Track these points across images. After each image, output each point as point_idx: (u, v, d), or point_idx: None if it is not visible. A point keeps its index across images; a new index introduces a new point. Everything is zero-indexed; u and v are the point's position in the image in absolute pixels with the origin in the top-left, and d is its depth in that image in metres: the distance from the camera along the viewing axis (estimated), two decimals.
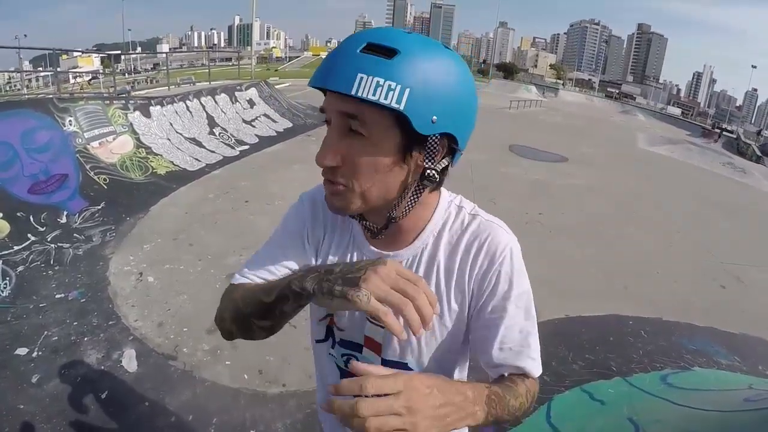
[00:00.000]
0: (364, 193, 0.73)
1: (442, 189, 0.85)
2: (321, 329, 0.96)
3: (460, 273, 0.83)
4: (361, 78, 0.64)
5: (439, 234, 0.84)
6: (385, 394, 0.55)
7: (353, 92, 0.64)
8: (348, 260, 0.88)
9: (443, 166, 0.75)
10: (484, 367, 0.85)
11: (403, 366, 0.89)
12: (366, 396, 0.54)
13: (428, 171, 0.73)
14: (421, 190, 0.76)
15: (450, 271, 0.83)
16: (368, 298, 0.61)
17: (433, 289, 0.84)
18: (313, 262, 0.91)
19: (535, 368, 0.83)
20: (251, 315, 0.82)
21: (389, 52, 0.65)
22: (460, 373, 0.99)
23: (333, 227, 0.91)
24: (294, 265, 0.90)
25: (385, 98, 0.64)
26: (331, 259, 0.90)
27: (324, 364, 1.01)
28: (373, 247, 0.86)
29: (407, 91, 0.64)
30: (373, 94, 0.64)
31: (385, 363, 0.89)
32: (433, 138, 0.70)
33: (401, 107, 0.64)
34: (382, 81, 0.64)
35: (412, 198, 0.76)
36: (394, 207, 0.76)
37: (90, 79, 27.22)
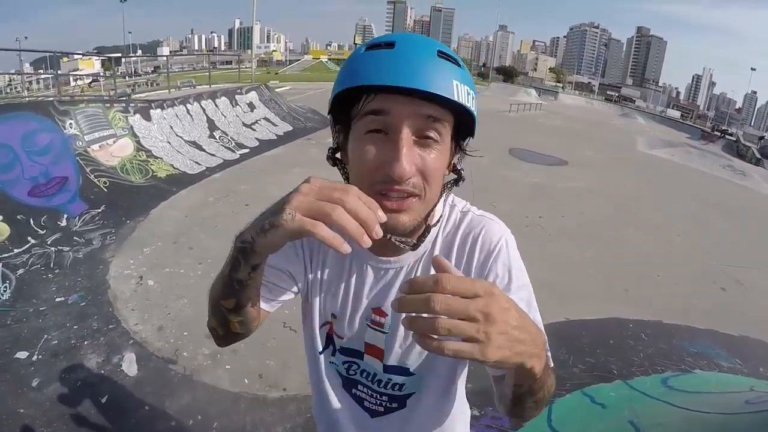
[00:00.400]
0: (430, 200, 0.71)
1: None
2: (321, 338, 0.94)
3: (458, 266, 0.82)
4: (457, 85, 0.64)
5: (436, 235, 0.84)
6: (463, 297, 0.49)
7: (455, 98, 0.63)
8: (343, 263, 0.87)
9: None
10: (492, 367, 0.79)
11: (405, 371, 0.88)
12: (442, 293, 0.48)
13: (462, 171, 0.77)
14: (447, 193, 0.78)
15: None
16: (292, 216, 0.56)
17: None
18: (304, 271, 0.89)
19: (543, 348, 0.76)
20: (219, 296, 0.79)
21: (456, 62, 0.66)
22: (461, 381, 0.98)
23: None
24: (285, 280, 0.88)
25: (473, 106, 0.67)
26: (327, 272, 0.88)
27: (322, 371, 0.98)
28: (372, 253, 0.84)
29: (476, 100, 0.68)
30: (467, 102, 0.65)
31: (388, 368, 0.88)
32: (467, 141, 0.76)
33: (475, 114, 0.69)
34: (468, 89, 0.66)
35: (441, 201, 0.79)
36: (432, 212, 0.76)
37: (90, 82, 27.20)
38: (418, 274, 0.83)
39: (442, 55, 0.65)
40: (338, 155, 0.79)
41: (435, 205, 0.76)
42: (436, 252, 0.83)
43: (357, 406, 0.98)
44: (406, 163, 0.64)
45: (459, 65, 0.66)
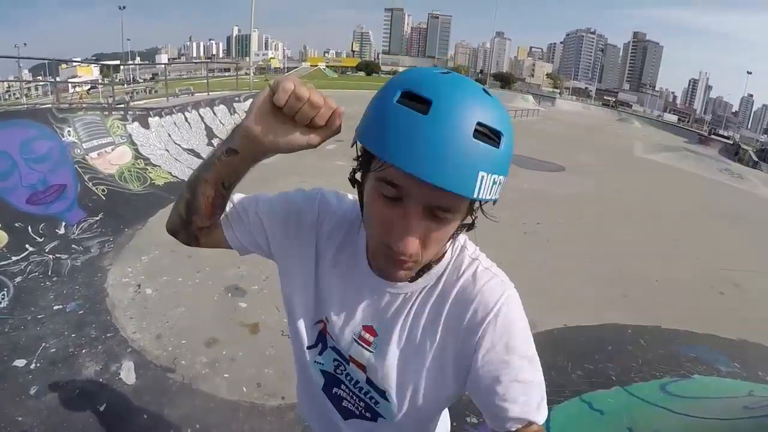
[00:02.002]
0: (428, 259, 0.73)
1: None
2: (312, 334, 0.94)
3: (447, 318, 0.80)
4: (483, 177, 0.59)
5: (441, 275, 0.82)
6: None
7: (475, 195, 0.59)
8: (345, 274, 0.88)
9: None
10: (488, 420, 0.75)
11: (383, 393, 0.88)
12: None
13: (476, 219, 0.76)
14: (457, 236, 0.77)
15: (439, 313, 0.81)
16: (275, 82, 0.64)
17: (422, 327, 0.82)
18: (304, 249, 0.90)
19: (539, 417, 0.72)
20: (185, 190, 0.87)
21: (496, 137, 0.61)
22: (440, 414, 0.99)
23: (341, 231, 0.89)
24: (263, 237, 0.92)
25: (495, 195, 0.63)
26: (334, 274, 0.88)
27: (309, 368, 0.98)
28: (374, 273, 0.82)
29: (504, 181, 0.64)
30: (489, 193, 0.61)
31: (370, 381, 0.89)
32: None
33: (497, 198, 0.65)
34: (497, 177, 0.61)
35: (448, 246, 0.80)
36: (436, 258, 0.78)
37: (89, 89, 27.26)
38: (416, 304, 0.83)
39: (482, 129, 0.59)
40: (358, 176, 0.76)
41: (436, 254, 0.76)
42: (436, 291, 0.82)
43: (332, 407, 0.99)
44: (411, 241, 0.65)
45: (497, 141, 0.61)
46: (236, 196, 0.93)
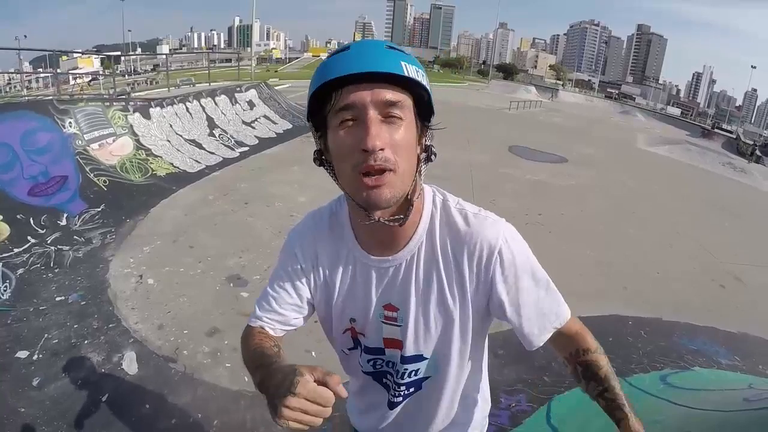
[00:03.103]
0: (404, 173, 0.76)
1: (423, 184, 0.91)
2: (347, 340, 1.02)
3: (457, 268, 0.87)
4: (405, 65, 0.74)
5: (431, 231, 0.89)
6: None
7: (405, 74, 0.73)
8: (347, 270, 0.95)
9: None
10: (521, 340, 0.93)
11: (419, 357, 0.95)
12: None
13: (433, 148, 0.83)
14: (423, 170, 0.84)
15: (448, 267, 0.88)
16: (286, 425, 0.65)
17: (434, 284, 0.89)
18: (313, 283, 0.97)
19: (564, 314, 0.93)
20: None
21: (402, 51, 0.76)
22: (479, 362, 1.07)
23: (324, 242, 0.96)
24: (296, 300, 0.97)
25: (424, 82, 0.76)
26: (337, 283, 0.95)
27: (353, 366, 1.07)
28: (371, 255, 0.91)
29: (426, 78, 0.77)
30: (417, 77, 0.75)
31: (404, 359, 0.96)
32: (431, 119, 0.83)
33: (429, 89, 0.78)
34: (416, 68, 0.75)
35: (418, 178, 0.83)
36: (412, 190, 0.81)
37: (90, 80, 27.19)
38: (420, 265, 0.89)
39: (391, 47, 0.76)
40: (324, 157, 0.85)
41: (414, 182, 0.81)
42: (436, 248, 0.89)
43: (385, 393, 1.06)
44: (376, 136, 0.71)
45: (407, 54, 0.76)
46: (264, 316, 1.00)
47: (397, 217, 0.82)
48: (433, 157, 0.84)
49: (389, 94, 0.73)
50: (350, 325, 0.98)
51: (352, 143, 0.73)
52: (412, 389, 1.03)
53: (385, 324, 0.94)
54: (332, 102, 0.75)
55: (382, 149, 0.72)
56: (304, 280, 0.97)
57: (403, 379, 1.00)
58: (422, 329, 0.92)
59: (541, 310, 0.90)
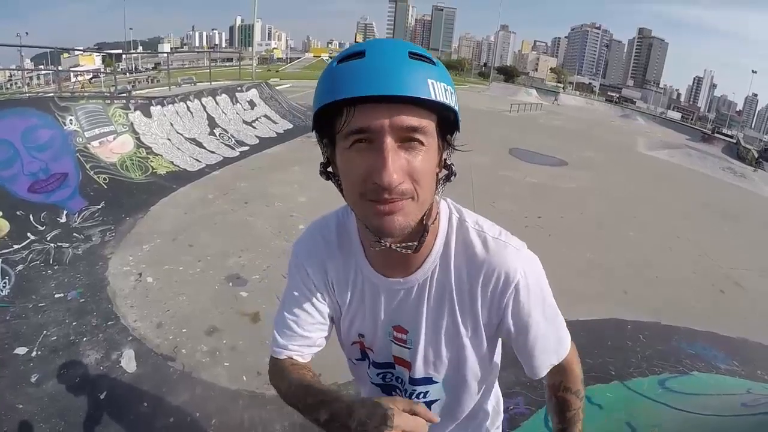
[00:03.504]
0: (424, 201, 0.69)
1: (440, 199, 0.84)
2: (355, 351, 1.00)
3: (471, 295, 0.83)
4: (433, 84, 0.63)
5: (445, 254, 0.83)
6: None
7: (433, 97, 0.63)
8: (356, 288, 0.91)
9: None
10: (527, 368, 0.92)
11: (430, 380, 0.93)
12: None
13: (453, 167, 0.76)
14: (441, 190, 0.76)
15: (461, 293, 0.84)
16: None
17: (446, 310, 0.85)
18: (328, 299, 0.94)
19: (563, 352, 0.93)
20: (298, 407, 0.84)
21: (430, 60, 0.66)
22: (494, 378, 1.06)
23: (333, 258, 0.91)
24: (319, 318, 0.93)
25: (453, 103, 0.67)
26: (349, 299, 0.92)
27: (362, 377, 1.06)
28: (381, 276, 0.86)
29: (455, 95, 0.69)
30: (446, 99, 0.65)
31: (413, 380, 0.94)
32: (454, 136, 0.74)
33: (458, 110, 0.69)
34: (445, 86, 0.65)
35: (436, 199, 0.77)
36: (428, 213, 0.74)
37: (91, 78, 27.22)
38: (432, 289, 0.85)
39: (414, 55, 0.64)
40: (330, 168, 0.77)
41: (431, 206, 0.75)
42: (450, 272, 0.84)
43: None
44: (393, 170, 0.62)
45: (434, 63, 0.66)
46: (290, 344, 0.93)
47: (410, 243, 0.76)
48: (453, 177, 0.76)
49: (412, 120, 0.63)
50: (359, 340, 0.96)
51: (365, 171, 0.64)
52: None
53: (394, 344, 0.91)
54: (343, 119, 0.64)
55: (400, 183, 0.64)
56: (319, 296, 0.92)
57: (411, 395, 0.97)
58: (432, 354, 0.89)
59: (544, 347, 0.89)
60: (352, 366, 1.06)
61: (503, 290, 0.81)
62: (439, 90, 0.63)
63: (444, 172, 0.75)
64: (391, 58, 0.63)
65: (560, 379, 0.95)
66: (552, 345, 0.90)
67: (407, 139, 0.64)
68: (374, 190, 0.64)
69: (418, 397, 0.97)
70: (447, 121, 0.70)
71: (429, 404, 0.98)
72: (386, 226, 0.67)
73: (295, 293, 0.93)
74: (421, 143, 0.65)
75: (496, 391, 1.14)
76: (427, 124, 0.66)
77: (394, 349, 0.92)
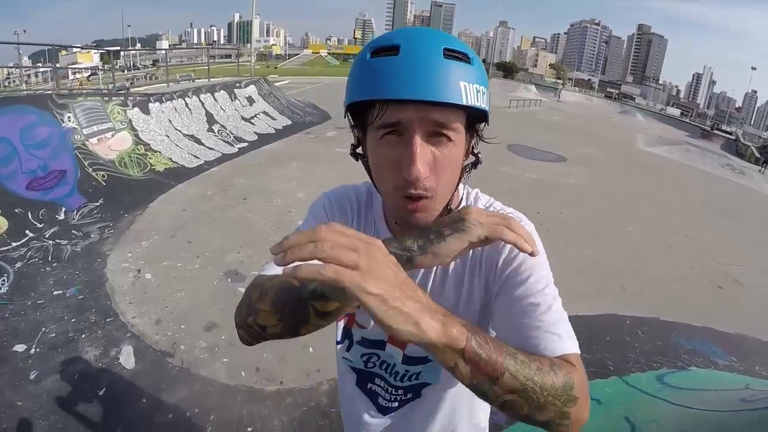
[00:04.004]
0: (443, 195, 0.73)
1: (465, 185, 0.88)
2: (339, 330, 0.97)
3: (482, 263, 0.82)
4: (465, 86, 0.65)
5: None
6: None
7: (464, 102, 0.65)
8: None
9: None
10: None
11: (423, 359, 0.90)
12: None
13: (479, 155, 0.80)
14: (467, 178, 0.80)
15: (474, 261, 0.83)
16: (480, 223, 0.64)
17: (465, 284, 0.84)
18: None
19: (559, 345, 0.69)
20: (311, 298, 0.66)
21: (466, 57, 0.67)
22: None
23: (357, 217, 0.92)
24: None
25: (483, 103, 0.69)
26: None
27: (343, 364, 1.03)
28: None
29: (487, 93, 0.71)
30: (477, 101, 0.67)
31: (408, 359, 0.91)
32: (483, 126, 0.77)
33: (488, 109, 0.72)
34: (477, 87, 0.68)
35: (461, 186, 0.81)
36: (452, 198, 0.77)
37: (89, 75, 27.11)
38: (449, 266, 0.83)
39: (449, 53, 0.65)
40: (359, 149, 0.80)
41: (453, 193, 0.77)
42: None
43: (370, 403, 1.01)
44: (420, 164, 0.66)
45: (468, 60, 0.67)
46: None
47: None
48: (479, 164, 0.81)
49: (441, 117, 0.66)
50: (353, 310, 0.90)
51: (395, 162, 0.68)
52: (409, 395, 0.96)
53: None
54: (375, 113, 0.67)
55: (425, 177, 0.67)
56: None
57: (402, 381, 0.94)
58: None
59: (531, 325, 0.73)
60: (337, 353, 1.03)
61: (503, 247, 0.79)
62: (470, 93, 0.66)
63: (471, 158, 0.80)
64: (425, 57, 0.64)
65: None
66: (558, 327, 0.71)
67: (435, 133, 0.67)
68: (402, 184, 0.69)
69: (410, 379, 0.93)
70: (477, 117, 0.73)
71: (419, 388, 0.95)
72: (412, 221, 0.72)
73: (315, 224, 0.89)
74: (449, 138, 0.68)
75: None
76: (456, 122, 0.68)
77: None
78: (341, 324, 0.96)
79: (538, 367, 0.61)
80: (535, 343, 0.68)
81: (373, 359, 0.95)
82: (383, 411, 1.00)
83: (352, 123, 0.77)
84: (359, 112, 0.72)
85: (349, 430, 1.12)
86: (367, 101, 0.68)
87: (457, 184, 0.77)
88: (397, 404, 0.98)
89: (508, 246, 0.78)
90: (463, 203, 0.88)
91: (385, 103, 0.66)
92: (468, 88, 0.65)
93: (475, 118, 0.73)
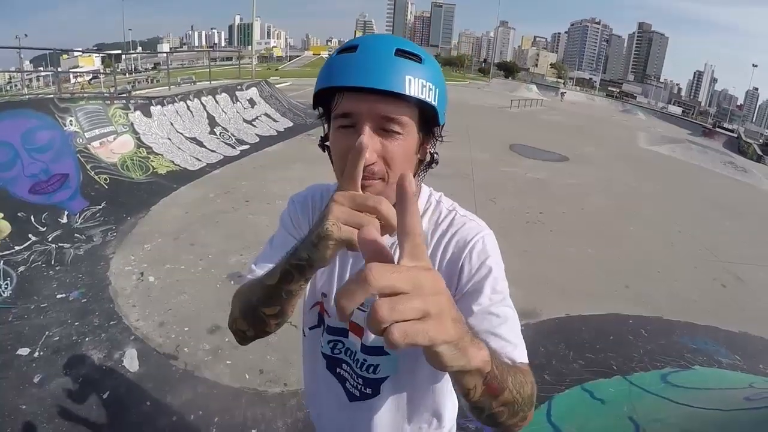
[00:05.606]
0: (394, 183, 0.73)
1: (423, 185, 0.94)
2: (313, 317, 1.00)
3: (436, 263, 0.85)
4: (410, 80, 0.71)
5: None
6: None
7: (407, 92, 0.70)
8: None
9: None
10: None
11: (382, 351, 0.91)
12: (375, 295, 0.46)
13: (435, 155, 0.84)
14: (422, 175, 0.85)
15: (434, 263, 0.85)
16: (338, 227, 0.58)
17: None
18: None
19: (517, 353, 0.74)
20: (259, 303, 0.79)
21: (417, 57, 0.73)
22: (446, 386, 1.01)
23: (317, 214, 0.93)
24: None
25: (431, 99, 0.74)
26: None
27: (309, 351, 1.06)
28: None
29: (437, 90, 0.75)
30: (421, 94, 0.72)
31: (365, 348, 0.93)
32: (438, 128, 0.82)
33: (435, 104, 0.75)
34: (424, 82, 0.72)
35: (417, 184, 0.83)
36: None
37: (90, 79, 27.18)
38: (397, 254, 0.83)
39: (401, 53, 0.72)
40: (328, 143, 0.84)
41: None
42: None
43: (339, 386, 1.02)
44: (366, 138, 0.70)
45: (419, 60, 0.73)
46: (256, 267, 0.93)
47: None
48: (434, 165, 0.85)
49: (389, 110, 0.72)
50: (320, 300, 0.97)
51: (346, 149, 0.71)
52: (369, 390, 0.97)
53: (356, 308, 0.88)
54: (335, 103, 0.75)
55: (372, 163, 0.72)
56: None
57: (362, 371, 0.95)
58: None
59: (501, 328, 0.77)
60: (305, 341, 1.05)
61: (461, 250, 0.84)
62: (415, 86, 0.71)
63: (428, 157, 0.84)
64: (376, 54, 0.72)
65: None
66: (509, 329, 0.77)
67: (385, 127, 0.73)
68: None
69: (368, 371, 0.94)
70: (428, 114, 0.77)
71: (378, 383, 0.95)
72: None
73: (281, 239, 0.96)
74: (398, 132, 0.74)
75: (454, 398, 1.05)
76: (404, 116, 0.73)
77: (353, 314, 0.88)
78: (314, 311, 0.99)
79: (521, 380, 0.68)
80: (499, 353, 0.69)
81: (339, 346, 0.98)
82: (350, 397, 1.00)
83: (320, 113, 0.83)
84: (325, 104, 0.79)
85: (316, 418, 1.15)
86: (330, 94, 0.75)
87: (414, 176, 0.80)
88: (358, 394, 0.98)
89: (473, 257, 0.83)
90: (422, 199, 0.92)
91: (341, 94, 0.73)
92: (413, 82, 0.71)
93: (427, 116, 0.77)
